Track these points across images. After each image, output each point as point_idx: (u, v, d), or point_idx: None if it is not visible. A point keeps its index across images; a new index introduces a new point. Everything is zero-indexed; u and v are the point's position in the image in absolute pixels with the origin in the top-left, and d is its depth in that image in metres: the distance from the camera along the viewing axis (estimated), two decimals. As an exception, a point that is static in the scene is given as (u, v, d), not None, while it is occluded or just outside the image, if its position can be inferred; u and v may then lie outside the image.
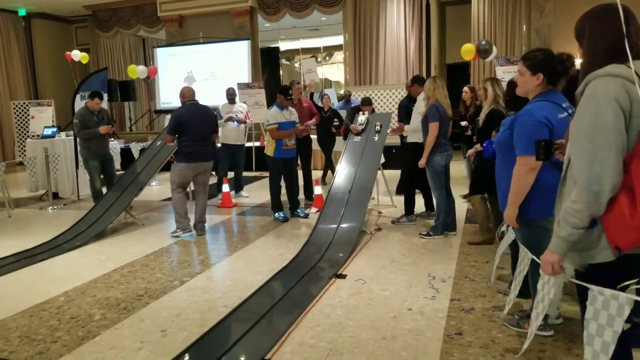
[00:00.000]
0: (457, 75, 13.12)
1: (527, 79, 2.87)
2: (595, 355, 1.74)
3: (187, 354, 3.11)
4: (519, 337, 3.18)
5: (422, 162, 5.44)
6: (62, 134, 9.33)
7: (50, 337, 3.45)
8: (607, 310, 1.71)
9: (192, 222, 6.12)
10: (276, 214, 6.59)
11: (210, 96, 12.42)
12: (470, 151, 5.24)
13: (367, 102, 7.79)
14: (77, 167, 8.52)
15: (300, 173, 7.29)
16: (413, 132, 6.02)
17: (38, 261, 5.20)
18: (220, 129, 7.26)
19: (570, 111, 2.89)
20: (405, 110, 6.67)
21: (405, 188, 6.40)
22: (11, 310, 3.92)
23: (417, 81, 6.32)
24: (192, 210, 6.19)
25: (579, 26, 1.92)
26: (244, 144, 8.41)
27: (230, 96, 8.14)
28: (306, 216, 6.67)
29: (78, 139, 7.18)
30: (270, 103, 8.28)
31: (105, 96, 8.95)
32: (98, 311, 3.86)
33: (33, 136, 10.25)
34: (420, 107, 5.89)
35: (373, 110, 8.01)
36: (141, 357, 3.12)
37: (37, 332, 3.52)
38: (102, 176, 7.27)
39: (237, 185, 8.31)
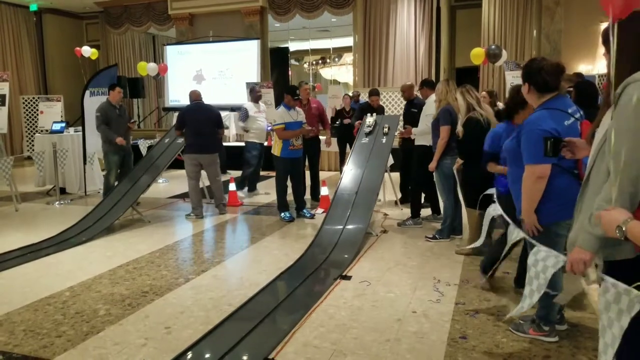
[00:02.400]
0: (466, 79, 13.04)
1: (523, 87, 2.96)
2: (605, 346, 1.76)
3: (190, 352, 3.11)
4: (523, 342, 3.17)
5: (432, 166, 5.41)
6: (71, 129, 9.37)
7: (54, 331, 3.46)
8: (618, 305, 1.72)
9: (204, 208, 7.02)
10: (282, 214, 6.59)
11: (218, 95, 12.46)
12: (456, 166, 4.98)
13: (374, 92, 7.89)
14: (84, 163, 8.55)
15: (307, 173, 7.29)
16: (421, 134, 6.01)
17: (44, 255, 5.21)
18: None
19: (577, 115, 2.88)
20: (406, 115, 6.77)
21: (412, 191, 6.39)
22: (16, 304, 3.94)
23: (426, 84, 6.29)
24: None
25: (606, 32, 1.97)
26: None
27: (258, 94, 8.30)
28: (312, 217, 6.67)
29: (99, 134, 7.25)
30: (278, 103, 8.28)
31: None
32: (103, 307, 3.87)
33: (42, 131, 10.30)
34: (428, 110, 5.87)
35: (383, 110, 7.99)
36: (145, 353, 3.13)
37: (41, 326, 3.53)
38: (118, 171, 7.34)
39: (241, 184, 8.28)
